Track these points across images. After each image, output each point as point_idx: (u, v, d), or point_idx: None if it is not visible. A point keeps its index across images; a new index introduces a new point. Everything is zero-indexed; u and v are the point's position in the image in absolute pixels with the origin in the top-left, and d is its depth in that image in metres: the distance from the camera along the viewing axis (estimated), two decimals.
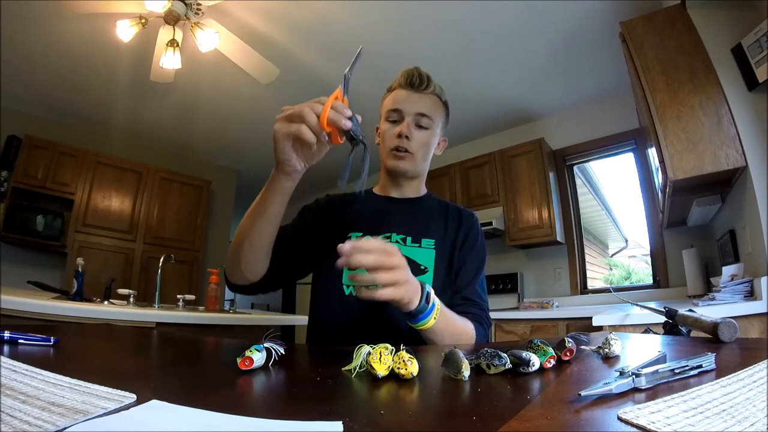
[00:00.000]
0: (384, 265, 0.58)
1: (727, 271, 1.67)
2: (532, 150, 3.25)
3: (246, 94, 3.21)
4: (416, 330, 0.69)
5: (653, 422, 0.24)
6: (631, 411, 0.27)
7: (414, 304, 0.64)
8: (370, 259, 0.57)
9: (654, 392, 0.32)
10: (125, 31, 2.19)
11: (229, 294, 4.34)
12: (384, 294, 0.58)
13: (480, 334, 0.82)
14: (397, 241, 0.89)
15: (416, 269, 0.87)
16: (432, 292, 0.67)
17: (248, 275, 0.80)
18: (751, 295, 1.52)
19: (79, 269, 2.06)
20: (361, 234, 0.90)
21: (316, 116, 0.57)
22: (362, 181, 0.58)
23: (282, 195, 0.69)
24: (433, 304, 0.67)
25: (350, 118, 0.57)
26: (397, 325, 0.84)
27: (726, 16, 1.69)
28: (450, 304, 0.81)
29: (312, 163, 0.67)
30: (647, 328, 0.94)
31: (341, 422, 0.26)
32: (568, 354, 0.47)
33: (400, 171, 0.92)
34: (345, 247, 0.57)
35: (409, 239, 0.89)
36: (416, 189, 0.99)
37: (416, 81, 0.89)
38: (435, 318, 0.67)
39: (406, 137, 0.87)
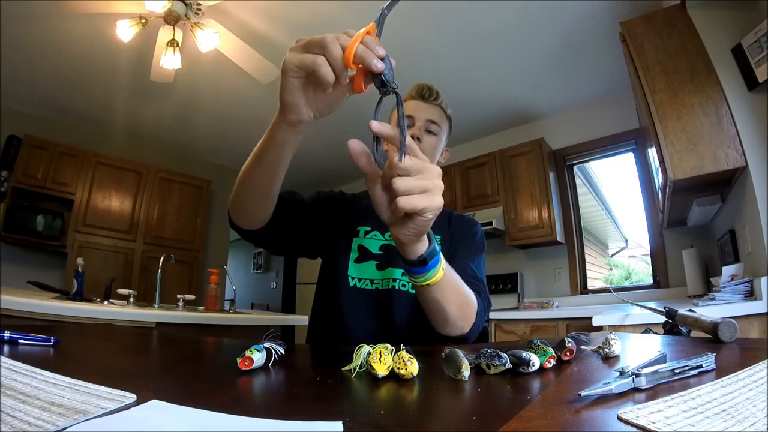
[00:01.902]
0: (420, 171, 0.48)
1: (727, 271, 1.66)
2: (532, 150, 3.25)
3: (246, 94, 3.21)
4: (416, 323, 0.67)
5: (653, 422, 0.24)
6: (631, 411, 0.27)
7: (422, 247, 0.56)
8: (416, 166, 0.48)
9: (654, 392, 0.32)
10: (125, 31, 2.19)
11: (229, 294, 4.33)
12: (417, 202, 0.48)
13: (480, 305, 0.76)
14: None
15: None
16: (436, 242, 0.59)
17: (249, 220, 0.76)
18: (751, 295, 1.52)
19: (79, 269, 2.06)
20: (370, 228, 0.93)
21: (341, 49, 0.45)
22: (402, 136, 0.48)
23: (282, 149, 0.59)
24: (439, 254, 0.59)
25: (383, 59, 0.46)
26: (399, 320, 0.85)
27: (726, 16, 1.69)
28: None
29: (324, 114, 0.55)
30: (647, 328, 0.94)
31: (341, 422, 0.26)
32: (568, 354, 0.47)
33: None
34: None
35: None
36: None
37: (427, 93, 0.98)
38: (443, 269, 0.60)
39: (418, 139, 0.93)
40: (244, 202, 0.72)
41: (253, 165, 0.65)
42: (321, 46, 0.46)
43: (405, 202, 0.47)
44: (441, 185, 0.51)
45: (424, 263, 0.57)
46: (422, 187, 0.48)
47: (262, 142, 0.61)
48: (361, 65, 0.46)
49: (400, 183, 0.47)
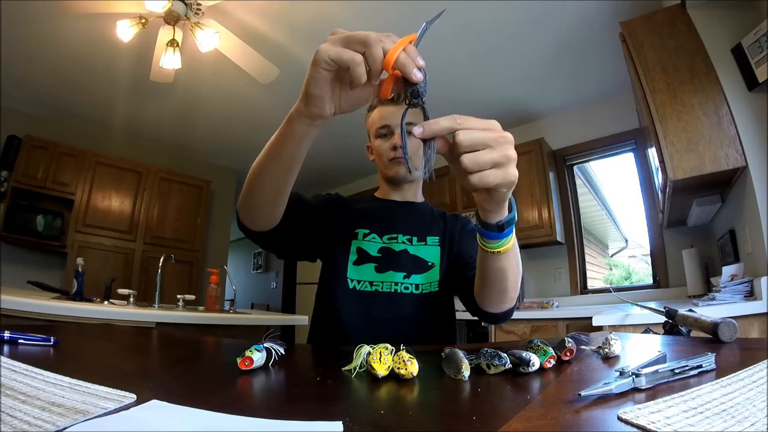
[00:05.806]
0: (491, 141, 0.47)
1: (727, 271, 1.66)
2: (532, 150, 3.25)
3: (246, 94, 3.21)
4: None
5: (653, 422, 0.24)
6: (631, 411, 0.27)
7: (501, 215, 0.56)
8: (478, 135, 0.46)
9: (654, 392, 0.32)
10: (125, 31, 2.19)
11: (229, 294, 4.33)
12: (489, 179, 0.47)
13: None
14: (403, 242, 0.93)
15: (423, 266, 0.91)
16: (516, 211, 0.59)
17: (260, 221, 0.72)
18: (751, 295, 1.52)
19: (79, 269, 2.06)
20: (368, 231, 0.93)
21: (383, 52, 0.44)
22: (429, 164, 0.48)
23: (299, 143, 0.57)
24: (515, 223, 0.58)
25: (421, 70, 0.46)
26: (402, 321, 0.86)
27: (726, 16, 1.69)
28: (466, 278, 0.82)
29: (345, 112, 0.53)
30: (647, 328, 0.94)
31: (341, 422, 0.26)
32: (568, 354, 0.47)
33: (400, 177, 0.98)
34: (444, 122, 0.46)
35: (414, 239, 0.94)
36: (415, 194, 1.05)
37: (395, 95, 0.96)
38: (514, 237, 0.59)
39: (401, 147, 0.92)
40: (255, 202, 0.68)
41: (267, 161, 0.61)
42: (363, 44, 0.44)
43: (477, 180, 0.46)
44: (512, 155, 0.48)
45: (500, 229, 0.58)
46: (492, 161, 0.47)
47: (277, 137, 0.58)
48: (395, 72, 0.45)
49: (467, 160, 0.45)
